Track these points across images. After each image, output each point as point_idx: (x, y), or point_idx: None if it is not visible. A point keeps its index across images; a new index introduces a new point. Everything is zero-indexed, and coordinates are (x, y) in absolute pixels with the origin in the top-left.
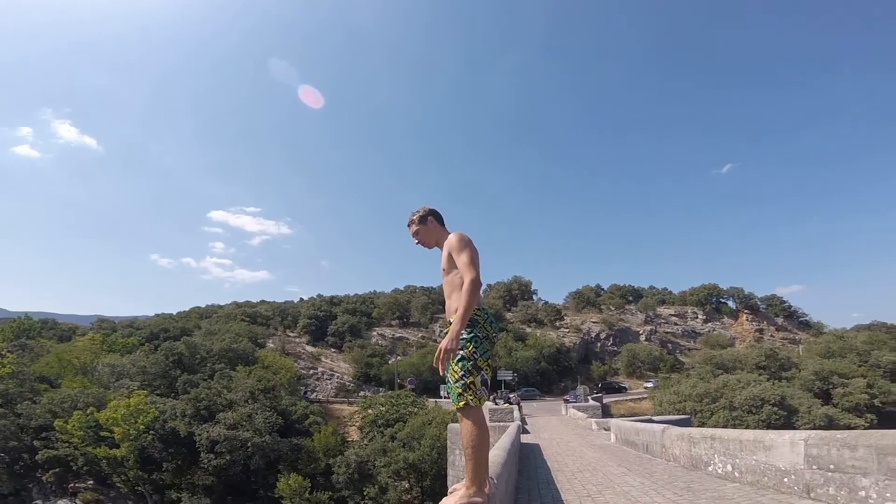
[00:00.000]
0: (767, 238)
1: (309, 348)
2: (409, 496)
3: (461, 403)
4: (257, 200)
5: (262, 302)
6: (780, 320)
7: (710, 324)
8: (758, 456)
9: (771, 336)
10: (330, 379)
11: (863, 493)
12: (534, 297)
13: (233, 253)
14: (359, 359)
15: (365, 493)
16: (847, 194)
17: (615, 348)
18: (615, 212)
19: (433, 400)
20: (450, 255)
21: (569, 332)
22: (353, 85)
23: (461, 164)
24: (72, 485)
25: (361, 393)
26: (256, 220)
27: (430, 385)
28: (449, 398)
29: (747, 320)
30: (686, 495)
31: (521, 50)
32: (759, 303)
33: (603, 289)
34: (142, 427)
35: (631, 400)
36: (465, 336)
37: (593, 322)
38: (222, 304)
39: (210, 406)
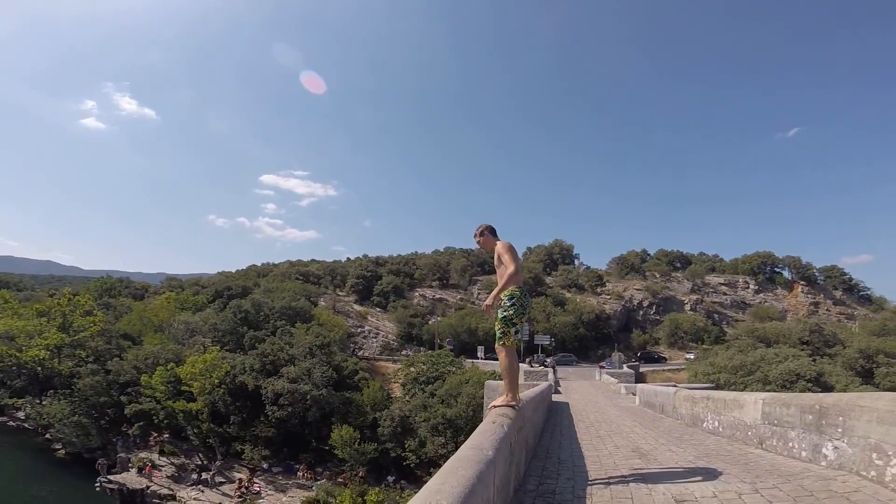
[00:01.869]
0: (835, 203)
1: (356, 307)
2: (444, 450)
3: (500, 343)
4: (304, 164)
5: (313, 261)
6: (838, 293)
7: (761, 294)
8: (735, 413)
9: (827, 310)
10: (375, 337)
11: (791, 444)
12: (575, 261)
13: (283, 214)
14: (402, 318)
15: (406, 446)
16: None
17: (658, 317)
18: (669, 173)
19: (470, 360)
20: (499, 256)
21: (610, 298)
22: (393, 45)
23: (502, 124)
24: (153, 437)
25: (404, 352)
26: (304, 182)
27: (467, 346)
28: (484, 358)
29: (802, 292)
30: (674, 442)
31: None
32: (816, 273)
33: (649, 254)
34: (216, 381)
35: (669, 370)
36: (507, 303)
37: (636, 289)
38: (277, 262)
39: (274, 361)
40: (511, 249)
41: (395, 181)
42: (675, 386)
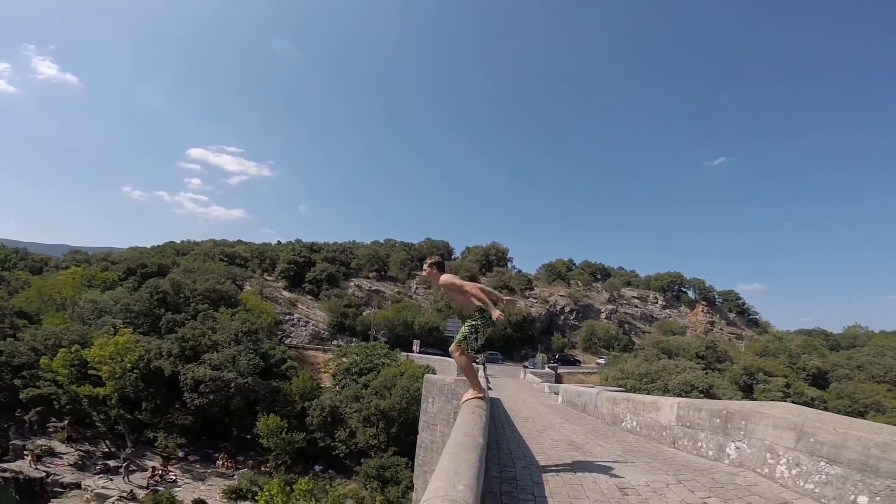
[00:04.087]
0: (740, 234)
1: (286, 294)
2: (375, 441)
3: (458, 345)
4: (240, 142)
5: (240, 242)
6: (732, 315)
7: (667, 310)
8: (652, 415)
9: (720, 329)
10: (305, 326)
11: (700, 444)
12: (509, 264)
13: (209, 190)
14: (335, 308)
15: (336, 436)
16: (823, 203)
17: (577, 323)
18: (599, 191)
19: (405, 353)
20: (450, 287)
21: (536, 302)
22: (358, 35)
23: (469, 119)
24: (53, 423)
25: (335, 342)
26: (237, 160)
27: (402, 339)
28: (419, 352)
29: (702, 311)
30: (601, 438)
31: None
32: (716, 296)
33: (575, 264)
34: (128, 366)
35: (583, 373)
36: (478, 316)
37: (560, 295)
38: (199, 240)
39: (195, 347)
40: (455, 282)
41: (335, 168)
42: (592, 387)
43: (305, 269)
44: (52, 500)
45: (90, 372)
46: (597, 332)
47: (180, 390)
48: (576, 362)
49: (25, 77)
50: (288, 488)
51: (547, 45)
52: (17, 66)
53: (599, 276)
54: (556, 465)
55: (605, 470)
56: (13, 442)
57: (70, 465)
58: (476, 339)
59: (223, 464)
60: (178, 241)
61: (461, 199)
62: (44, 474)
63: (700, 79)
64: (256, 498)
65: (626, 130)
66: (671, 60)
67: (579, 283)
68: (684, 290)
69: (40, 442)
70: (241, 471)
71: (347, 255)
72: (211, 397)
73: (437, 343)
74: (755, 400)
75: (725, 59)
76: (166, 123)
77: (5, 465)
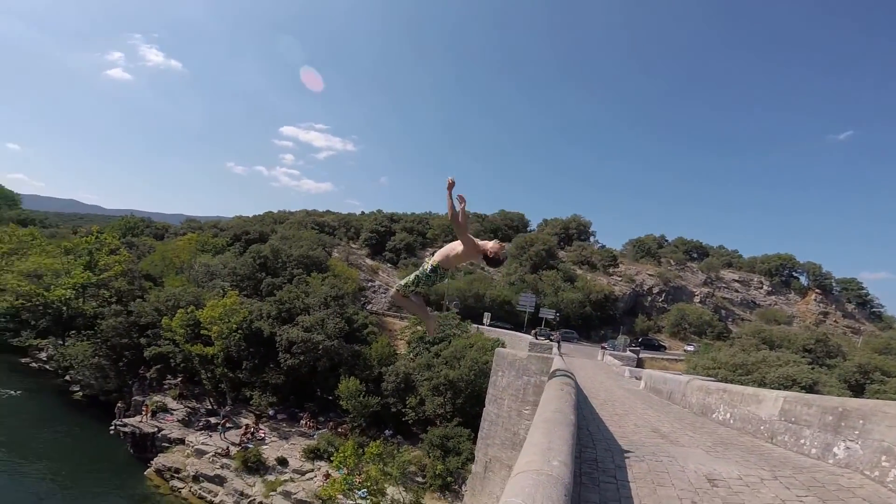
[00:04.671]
0: (867, 216)
1: (368, 261)
2: (442, 410)
3: (405, 289)
4: (327, 118)
5: (328, 212)
6: (850, 306)
7: (773, 297)
8: (750, 407)
9: (834, 321)
10: (385, 293)
11: (803, 442)
12: (591, 238)
13: (301, 165)
14: None
15: (407, 403)
16: None
17: (665, 305)
18: (699, 167)
19: (475, 326)
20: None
21: (621, 280)
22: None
23: (547, 90)
24: (168, 381)
25: None
26: (324, 136)
27: (472, 311)
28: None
29: (815, 300)
30: (689, 428)
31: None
32: (833, 284)
33: (667, 241)
34: (233, 326)
35: (667, 359)
36: (429, 269)
37: (649, 274)
38: (293, 210)
39: (290, 309)
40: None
41: (419, 141)
42: (680, 374)
43: (386, 238)
44: (158, 455)
45: (202, 332)
46: (687, 317)
47: (276, 351)
48: (660, 347)
49: (137, 65)
50: (360, 450)
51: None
52: (129, 55)
53: (695, 256)
54: (640, 451)
55: (694, 459)
56: (135, 398)
57: (178, 421)
58: (419, 288)
59: (306, 423)
60: (275, 211)
61: (539, 172)
62: (155, 429)
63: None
64: (332, 458)
65: (731, 101)
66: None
67: (671, 261)
68: (795, 274)
69: (157, 398)
70: (320, 431)
71: (424, 226)
72: (301, 358)
73: (507, 317)
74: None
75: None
76: (260, 102)
77: (126, 420)
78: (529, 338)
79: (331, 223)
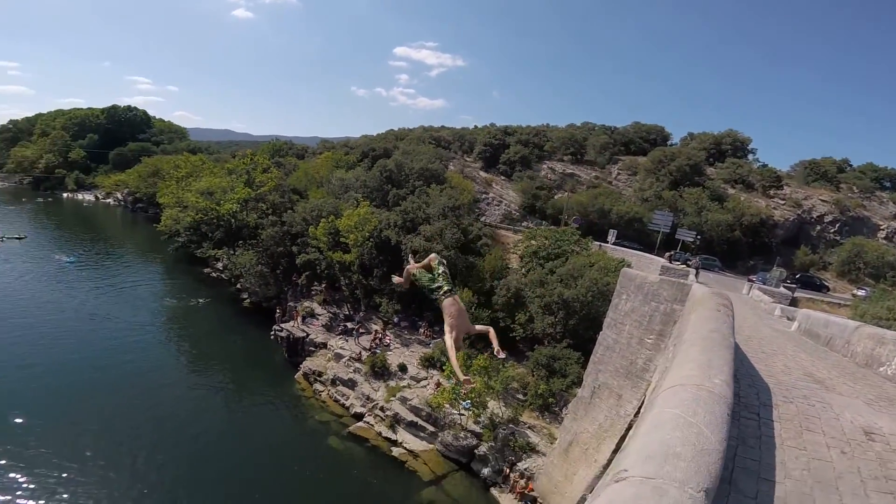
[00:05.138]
0: None
1: (482, 174)
2: (552, 330)
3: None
4: (435, 35)
5: (443, 127)
6: None
7: None
8: None
9: None
10: (498, 206)
11: None
12: (749, 156)
13: (415, 84)
14: (526, 189)
15: (516, 318)
16: None
17: (838, 238)
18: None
19: (597, 243)
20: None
21: (783, 204)
22: None
23: None
24: (315, 287)
25: (525, 223)
26: (434, 53)
27: (595, 228)
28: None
29: None
30: (848, 378)
31: None
32: None
33: (850, 165)
34: (366, 234)
35: (828, 302)
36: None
37: (821, 200)
38: (411, 127)
39: (413, 219)
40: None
41: (526, 53)
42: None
43: (500, 151)
44: (306, 359)
45: (341, 240)
46: (865, 254)
47: (401, 259)
48: (822, 287)
49: (256, 3)
50: (468, 362)
51: None
52: None
53: (888, 185)
54: (789, 393)
55: (852, 410)
56: (289, 304)
57: (322, 326)
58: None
59: (424, 332)
60: (395, 129)
61: (684, 76)
62: (304, 334)
63: None
64: (443, 368)
65: None
66: None
67: (853, 188)
68: None
69: (306, 304)
70: (435, 340)
71: (541, 139)
72: None
73: (637, 236)
74: None
75: None
76: (372, 25)
77: (283, 325)
78: (662, 261)
79: (446, 138)
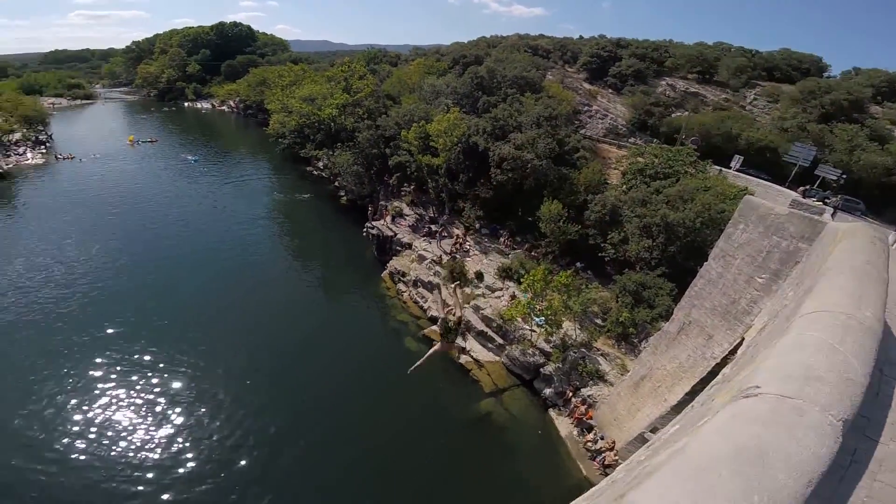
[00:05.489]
0: None
1: (586, 86)
2: (647, 254)
3: None
4: None
5: (542, 36)
6: None
7: None
8: None
9: None
10: (603, 119)
11: None
12: None
13: None
14: (638, 104)
15: (608, 237)
16: None
17: None
18: None
19: (717, 168)
20: None
21: None
22: None
23: None
24: (404, 188)
25: (632, 139)
26: None
27: (717, 152)
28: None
29: None
30: None
31: None
32: None
33: None
34: (455, 140)
35: None
36: None
37: None
38: (505, 35)
39: (503, 126)
40: None
41: None
42: None
43: (609, 63)
44: (392, 258)
45: (430, 143)
46: None
47: (488, 166)
48: None
49: None
50: (549, 277)
51: None
52: None
53: None
54: None
55: None
56: (380, 203)
57: (408, 226)
58: None
59: (504, 241)
60: (488, 36)
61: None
62: (392, 233)
63: None
64: (521, 280)
65: None
66: None
67: None
68: None
69: (396, 204)
70: (515, 251)
71: (661, 54)
72: (509, 175)
73: (766, 166)
74: None
75: None
76: None
77: (374, 223)
78: (794, 195)
79: (545, 47)
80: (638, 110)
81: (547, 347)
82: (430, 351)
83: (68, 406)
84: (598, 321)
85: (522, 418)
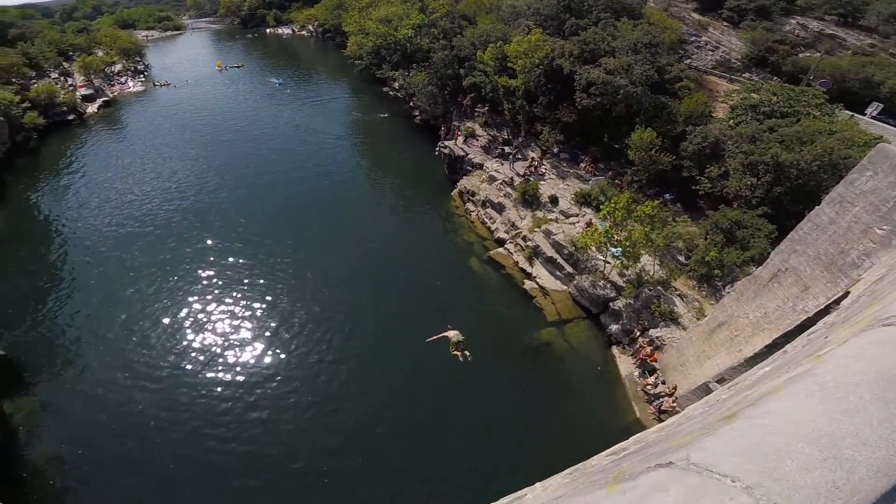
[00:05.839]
0: None
1: (695, 16)
2: (748, 192)
3: None
4: None
5: None
6: None
7: None
8: None
9: None
10: (713, 51)
11: None
12: None
13: None
14: (759, 40)
15: (706, 171)
16: None
17: None
18: None
19: (849, 113)
20: None
21: None
22: None
23: None
24: (478, 109)
25: (746, 75)
26: None
27: (851, 98)
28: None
29: None
30: None
31: None
32: None
33: None
34: (535, 62)
35: None
36: None
37: None
38: None
39: (594, 50)
40: None
41: None
42: None
43: None
44: (462, 178)
45: (508, 65)
46: None
47: (572, 90)
48: None
49: None
50: (633, 206)
51: None
52: None
53: None
54: None
55: None
56: (453, 123)
57: (480, 147)
58: None
59: (585, 167)
60: None
61: None
62: (464, 153)
63: None
64: (600, 208)
65: None
66: None
67: None
68: None
69: (468, 124)
70: (597, 178)
71: None
72: (597, 100)
73: None
74: None
75: None
76: None
77: (446, 143)
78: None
79: None
80: (757, 45)
81: (620, 281)
82: (444, 335)
83: (171, 313)
84: (681, 258)
85: (583, 352)
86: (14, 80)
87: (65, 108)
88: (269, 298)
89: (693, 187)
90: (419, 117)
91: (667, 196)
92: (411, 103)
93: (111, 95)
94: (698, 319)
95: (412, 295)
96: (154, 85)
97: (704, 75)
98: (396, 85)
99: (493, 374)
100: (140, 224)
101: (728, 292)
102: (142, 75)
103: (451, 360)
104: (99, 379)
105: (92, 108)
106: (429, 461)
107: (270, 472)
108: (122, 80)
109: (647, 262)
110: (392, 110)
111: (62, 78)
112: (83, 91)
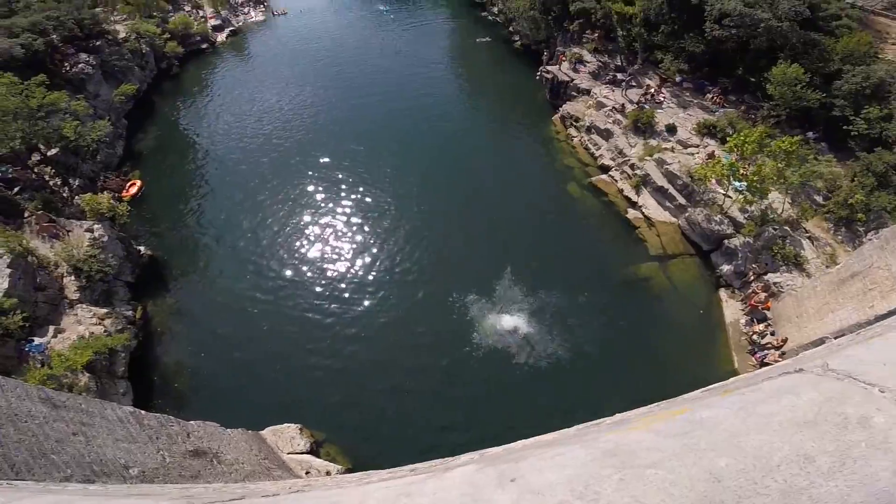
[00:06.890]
0: None
1: None
2: None
3: None
4: None
5: None
6: None
7: None
8: None
9: None
10: None
11: None
12: None
13: None
14: None
15: (863, 112)
16: None
17: None
18: None
19: None
20: None
21: None
22: None
23: None
24: (587, 35)
25: None
26: None
27: None
28: None
29: None
30: None
31: None
32: None
33: None
34: None
35: None
36: None
37: None
38: None
39: None
40: None
41: None
42: None
43: None
44: (567, 102)
45: None
46: None
47: (701, 20)
48: None
49: None
50: (766, 140)
51: None
52: None
53: None
54: None
55: None
56: (558, 48)
57: (589, 73)
58: None
59: (713, 98)
60: None
61: None
62: (569, 78)
63: None
64: (727, 140)
65: None
66: None
67: None
68: None
69: (575, 50)
70: (726, 109)
71: None
72: (732, 31)
73: None
74: None
75: None
76: None
77: (549, 68)
78: None
79: None
80: None
81: (740, 217)
82: None
83: (290, 224)
84: (818, 198)
85: (685, 292)
86: (154, 13)
87: (198, 38)
88: (374, 215)
89: (844, 127)
90: (518, 42)
91: (810, 134)
92: (511, 28)
93: (237, 25)
94: (827, 267)
95: (503, 214)
96: (273, 14)
97: (872, 16)
98: (495, 10)
99: (586, 306)
100: (265, 140)
101: (870, 239)
102: (262, 5)
103: (544, 280)
104: (227, 287)
105: (221, 37)
106: (511, 389)
107: (365, 386)
108: (245, 10)
109: (776, 200)
110: (490, 34)
111: (194, 10)
112: (213, 22)
